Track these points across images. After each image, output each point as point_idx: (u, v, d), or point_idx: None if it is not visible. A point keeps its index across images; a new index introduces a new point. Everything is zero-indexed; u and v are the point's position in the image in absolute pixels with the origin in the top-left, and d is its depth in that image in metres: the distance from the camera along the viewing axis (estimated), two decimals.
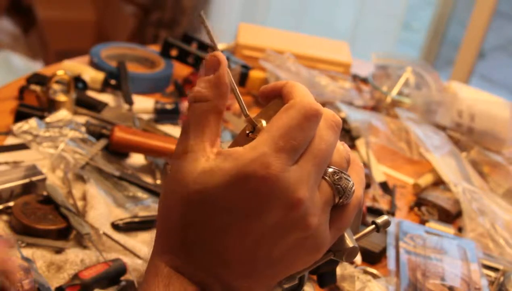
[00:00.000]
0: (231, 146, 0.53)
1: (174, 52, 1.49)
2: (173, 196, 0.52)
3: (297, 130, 0.50)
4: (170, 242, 0.53)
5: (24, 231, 0.92)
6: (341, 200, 0.52)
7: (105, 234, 0.95)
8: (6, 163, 1.07)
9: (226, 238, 0.50)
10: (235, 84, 0.54)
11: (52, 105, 1.20)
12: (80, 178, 1.07)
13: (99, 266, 0.87)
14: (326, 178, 0.51)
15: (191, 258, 0.51)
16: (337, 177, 0.52)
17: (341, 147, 0.54)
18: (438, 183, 1.31)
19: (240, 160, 0.49)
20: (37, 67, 2.87)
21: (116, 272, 0.88)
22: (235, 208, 0.49)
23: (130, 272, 0.89)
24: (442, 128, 1.51)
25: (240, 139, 0.54)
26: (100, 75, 1.37)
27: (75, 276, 0.84)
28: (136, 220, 1.01)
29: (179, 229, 0.52)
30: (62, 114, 1.16)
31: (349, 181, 0.52)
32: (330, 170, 0.52)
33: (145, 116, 1.31)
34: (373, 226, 0.57)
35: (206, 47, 1.53)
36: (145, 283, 0.52)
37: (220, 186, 0.49)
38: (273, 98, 0.55)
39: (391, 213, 1.18)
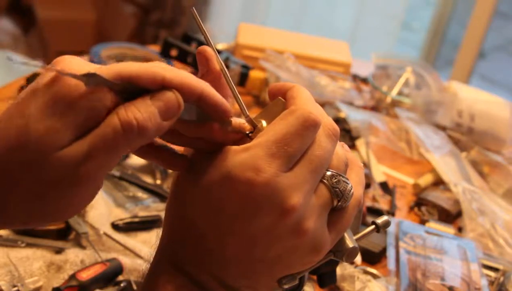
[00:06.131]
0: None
1: (174, 52, 1.49)
2: (181, 187, 0.52)
3: (294, 137, 0.49)
4: (171, 232, 0.53)
5: (24, 231, 0.92)
6: (339, 203, 0.52)
7: (105, 234, 0.95)
8: None
9: (220, 236, 0.50)
10: (233, 85, 0.54)
11: None
12: None
13: (96, 267, 0.87)
14: (324, 181, 0.51)
15: (189, 254, 0.51)
16: (335, 180, 0.51)
17: (340, 150, 0.54)
18: (438, 183, 1.31)
19: (229, 159, 0.49)
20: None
21: (113, 272, 0.88)
22: (225, 207, 0.49)
23: (127, 272, 0.89)
24: (442, 128, 1.51)
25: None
26: None
27: (73, 277, 0.84)
28: (136, 220, 1.01)
29: (178, 219, 0.52)
30: None
31: (348, 183, 0.52)
32: (328, 173, 0.51)
33: None
34: (373, 226, 0.57)
35: None
36: (147, 277, 0.53)
37: (210, 182, 0.49)
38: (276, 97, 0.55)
39: (391, 213, 1.18)
